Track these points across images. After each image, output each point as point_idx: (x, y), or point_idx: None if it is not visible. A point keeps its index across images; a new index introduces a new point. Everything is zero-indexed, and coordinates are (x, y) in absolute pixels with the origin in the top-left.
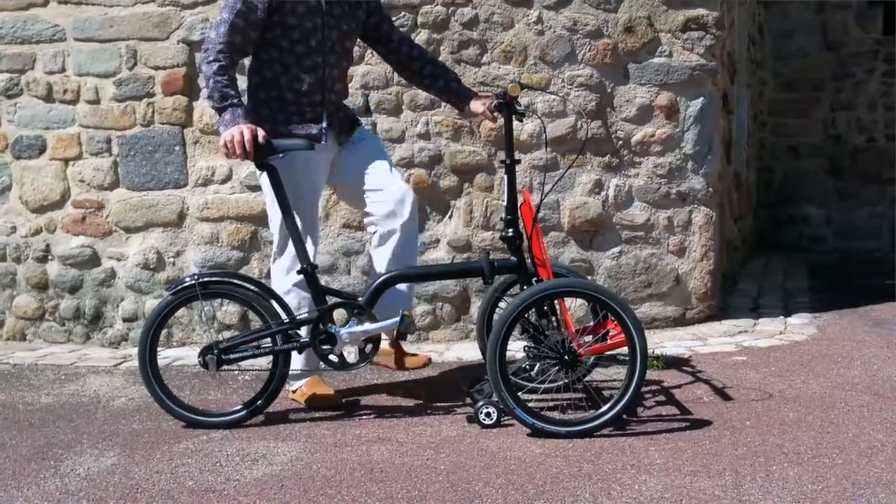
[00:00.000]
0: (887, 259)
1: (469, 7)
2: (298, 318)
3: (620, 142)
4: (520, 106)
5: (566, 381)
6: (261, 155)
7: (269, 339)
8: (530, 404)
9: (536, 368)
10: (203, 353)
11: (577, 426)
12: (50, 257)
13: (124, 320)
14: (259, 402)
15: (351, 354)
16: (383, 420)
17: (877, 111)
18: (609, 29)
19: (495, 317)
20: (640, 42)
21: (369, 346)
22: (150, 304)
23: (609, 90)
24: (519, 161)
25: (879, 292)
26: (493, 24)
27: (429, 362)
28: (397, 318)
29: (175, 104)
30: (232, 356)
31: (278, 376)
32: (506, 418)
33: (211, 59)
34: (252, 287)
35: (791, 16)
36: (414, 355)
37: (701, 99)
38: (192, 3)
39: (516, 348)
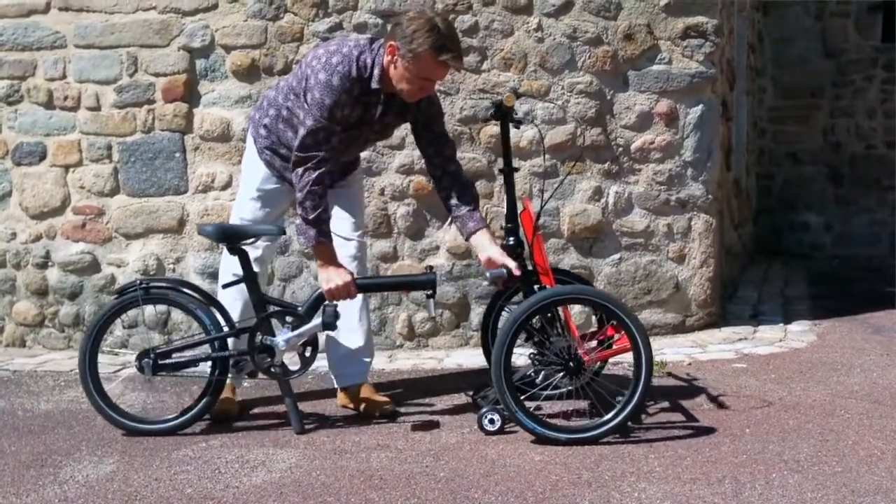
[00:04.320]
0: (886, 266)
1: (469, 14)
2: (238, 326)
3: (620, 149)
4: (517, 113)
5: (571, 387)
6: (234, 240)
7: (207, 346)
8: (535, 411)
9: (542, 375)
10: (139, 358)
11: (582, 433)
12: (50, 263)
13: (124, 327)
14: (196, 408)
15: (294, 362)
16: (382, 427)
17: (876, 118)
18: (609, 36)
19: (499, 324)
20: (639, 49)
21: (308, 350)
22: (150, 310)
23: (609, 97)
24: (517, 169)
25: (879, 299)
26: (493, 32)
27: (391, 407)
28: (319, 317)
29: (175, 111)
30: (168, 361)
31: (215, 383)
32: (509, 425)
33: (311, 166)
34: (195, 294)
35: (790, 23)
36: (378, 400)
37: (700, 106)
38: (193, 10)
39: (520, 353)
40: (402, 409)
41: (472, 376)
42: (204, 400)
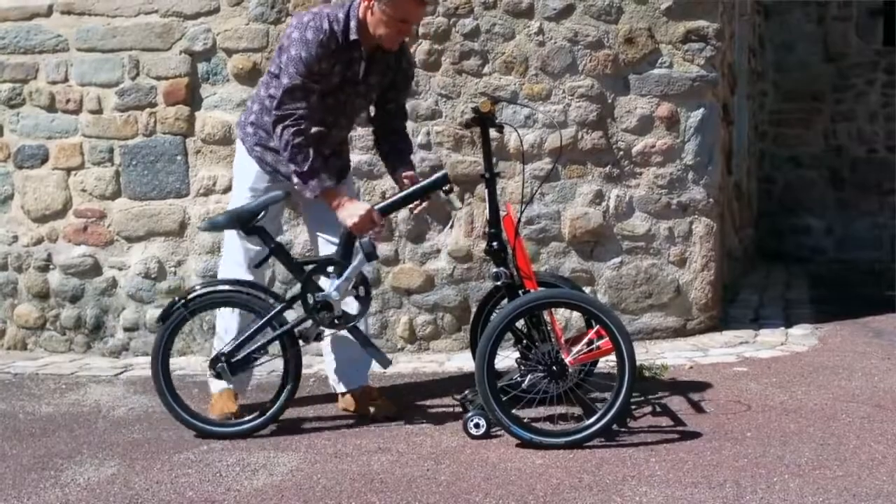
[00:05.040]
0: (888, 270)
1: (471, 18)
2: (288, 297)
3: (621, 152)
4: (496, 119)
5: (556, 391)
6: (248, 220)
7: (269, 330)
8: (519, 414)
9: (527, 380)
10: (212, 365)
11: (566, 437)
12: (51, 266)
13: (125, 330)
14: (274, 407)
15: (352, 307)
16: (383, 430)
17: (877, 122)
18: (610, 40)
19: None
20: (640, 53)
21: (361, 290)
22: (152, 313)
23: (610, 101)
24: (499, 174)
25: (880, 303)
26: (494, 35)
27: (392, 408)
28: (360, 253)
29: (177, 114)
30: (238, 359)
31: (294, 359)
32: (495, 429)
33: (289, 123)
34: (234, 287)
35: (791, 27)
36: (379, 402)
37: (701, 110)
38: (195, 13)
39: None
40: (403, 413)
41: (473, 380)
42: (280, 398)
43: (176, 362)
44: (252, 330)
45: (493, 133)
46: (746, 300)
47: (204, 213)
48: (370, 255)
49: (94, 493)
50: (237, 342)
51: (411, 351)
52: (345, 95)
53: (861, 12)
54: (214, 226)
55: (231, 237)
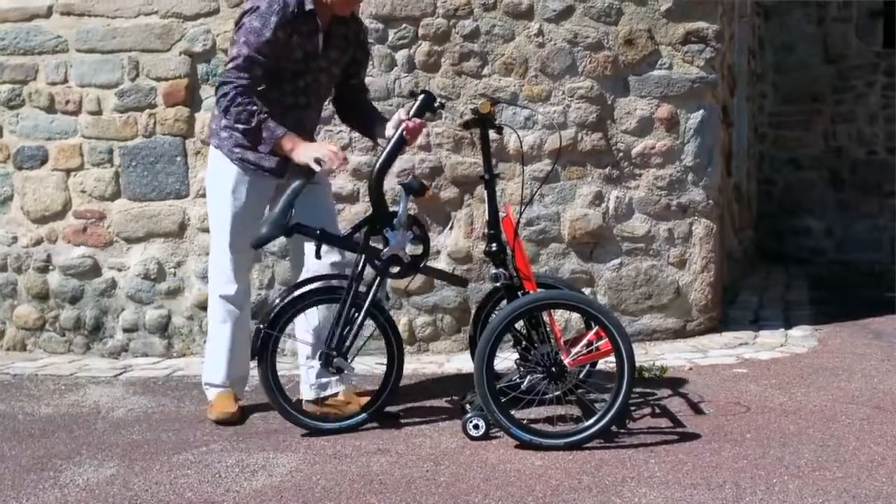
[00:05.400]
0: (888, 271)
1: (470, 19)
2: (356, 271)
3: (621, 154)
4: (496, 120)
5: (555, 392)
6: (288, 221)
7: (353, 310)
8: (518, 415)
9: (526, 381)
10: (328, 365)
11: (565, 438)
12: (51, 267)
13: (125, 331)
14: (379, 399)
15: (417, 249)
16: (383, 431)
17: (877, 124)
18: (609, 41)
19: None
20: (640, 54)
21: (416, 229)
22: (151, 314)
23: (609, 102)
24: (498, 175)
25: (880, 304)
26: (494, 37)
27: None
28: (404, 194)
29: (177, 115)
30: (348, 345)
31: (389, 325)
32: (494, 430)
33: (228, 90)
34: (312, 287)
35: (791, 28)
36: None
37: (701, 111)
38: (195, 14)
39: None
40: (403, 414)
41: (473, 381)
42: (386, 390)
43: (175, 363)
44: (343, 317)
45: (492, 134)
46: (746, 302)
47: (203, 214)
48: (412, 188)
49: (93, 494)
50: (337, 334)
51: (411, 352)
52: (311, 75)
53: (861, 13)
54: (262, 241)
55: (219, 249)
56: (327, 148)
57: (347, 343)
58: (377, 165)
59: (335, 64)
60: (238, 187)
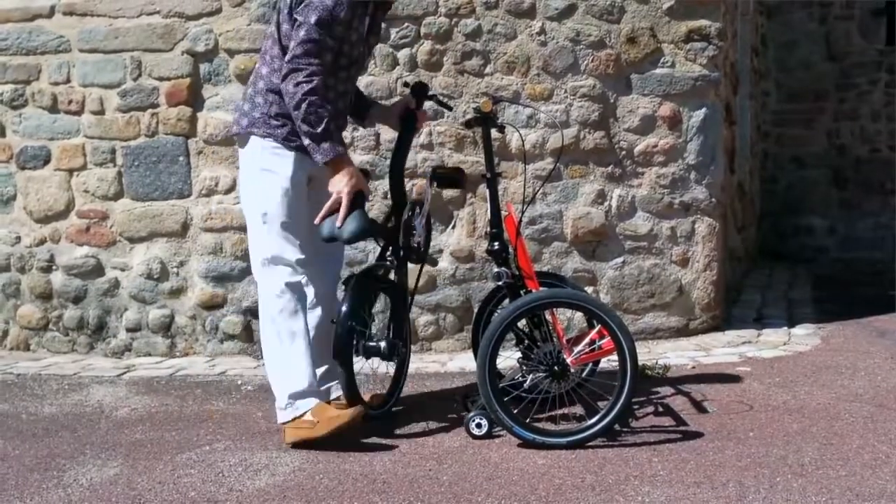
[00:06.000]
0: (891, 269)
1: (472, 18)
2: (394, 259)
3: (623, 152)
4: (498, 119)
5: (558, 391)
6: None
7: (395, 294)
8: (521, 414)
9: (529, 380)
10: (391, 353)
11: (567, 437)
12: (54, 267)
13: (128, 330)
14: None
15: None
16: (386, 430)
17: (880, 121)
18: (612, 40)
19: None
20: (642, 53)
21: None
22: (154, 314)
23: (612, 100)
24: (501, 174)
25: (883, 302)
26: (496, 35)
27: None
28: (428, 179)
29: (179, 115)
30: (391, 330)
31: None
32: (497, 429)
33: (302, 79)
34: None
35: (794, 27)
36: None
37: (704, 109)
38: (197, 14)
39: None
40: (406, 413)
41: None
42: (398, 388)
43: (178, 363)
44: (390, 307)
45: (494, 133)
46: (749, 300)
47: (206, 214)
48: (436, 178)
49: (96, 494)
50: (385, 323)
51: (413, 351)
52: (360, 61)
53: (864, 12)
54: (356, 235)
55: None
56: (353, 187)
57: (392, 329)
58: (396, 158)
59: (370, 49)
60: (297, 173)
